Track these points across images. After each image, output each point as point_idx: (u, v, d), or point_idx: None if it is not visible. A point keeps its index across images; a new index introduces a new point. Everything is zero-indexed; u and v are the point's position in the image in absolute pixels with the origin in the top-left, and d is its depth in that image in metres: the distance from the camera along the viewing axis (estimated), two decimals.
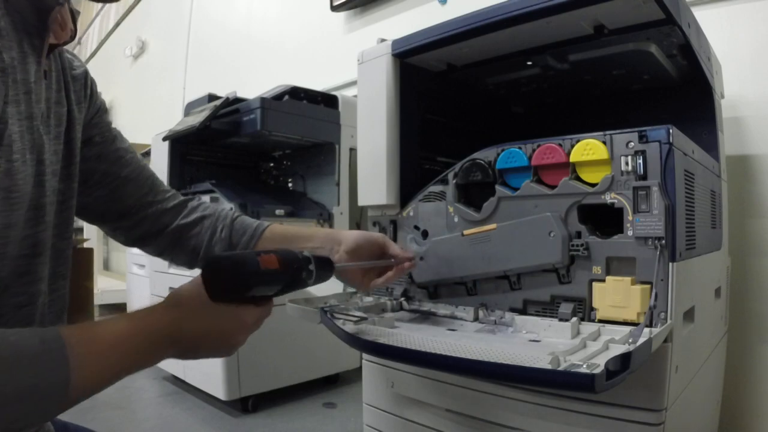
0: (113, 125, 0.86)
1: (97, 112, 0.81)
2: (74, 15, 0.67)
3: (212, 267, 0.62)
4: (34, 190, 0.60)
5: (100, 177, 0.80)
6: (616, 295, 0.76)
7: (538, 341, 0.80)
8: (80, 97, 0.75)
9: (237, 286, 0.62)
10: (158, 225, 0.87)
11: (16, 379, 0.44)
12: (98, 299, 3.46)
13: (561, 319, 0.81)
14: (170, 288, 2.08)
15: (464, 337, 0.84)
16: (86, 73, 0.77)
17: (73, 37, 0.67)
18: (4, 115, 0.53)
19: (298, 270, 0.67)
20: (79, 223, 1.81)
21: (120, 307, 3.34)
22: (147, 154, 2.62)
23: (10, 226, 0.56)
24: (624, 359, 0.58)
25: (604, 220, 0.81)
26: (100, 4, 5.63)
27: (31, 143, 0.59)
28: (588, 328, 0.79)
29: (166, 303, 0.60)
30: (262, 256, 0.63)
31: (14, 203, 0.56)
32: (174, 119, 2.16)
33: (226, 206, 1.88)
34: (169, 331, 0.58)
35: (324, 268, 0.72)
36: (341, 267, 0.79)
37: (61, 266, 0.69)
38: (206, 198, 2.00)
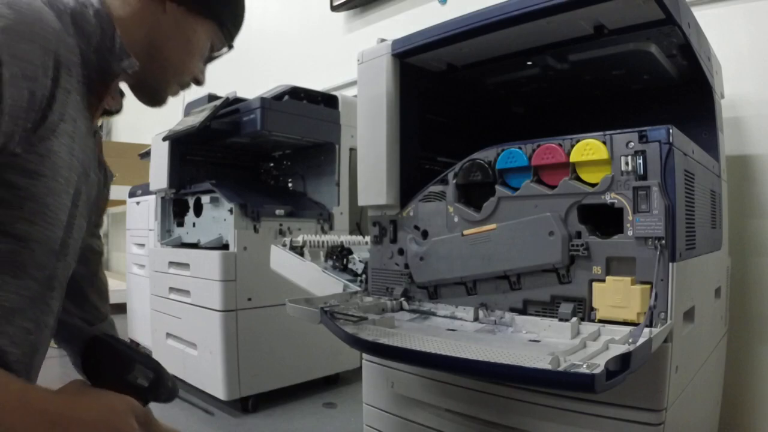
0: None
1: (104, 207, 0.85)
2: (122, 92, 0.77)
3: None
4: (65, 230, 0.63)
5: None
6: (616, 295, 0.76)
7: (538, 341, 0.80)
8: (104, 179, 0.80)
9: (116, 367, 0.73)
10: None
11: None
12: None
13: (561, 319, 0.81)
14: (170, 288, 2.08)
15: (464, 337, 0.84)
16: (109, 171, 0.83)
17: (119, 110, 0.75)
18: (62, 115, 0.58)
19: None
20: None
21: (120, 307, 3.33)
22: (147, 154, 2.62)
23: (45, 244, 0.60)
24: (624, 359, 0.58)
25: (604, 220, 0.81)
26: None
27: (74, 183, 0.62)
28: (588, 328, 0.79)
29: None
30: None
31: (50, 223, 0.59)
32: (174, 119, 2.16)
33: (227, 206, 1.88)
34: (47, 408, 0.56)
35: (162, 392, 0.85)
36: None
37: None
38: (206, 198, 2.01)
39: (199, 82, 0.80)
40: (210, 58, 0.80)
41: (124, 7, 0.68)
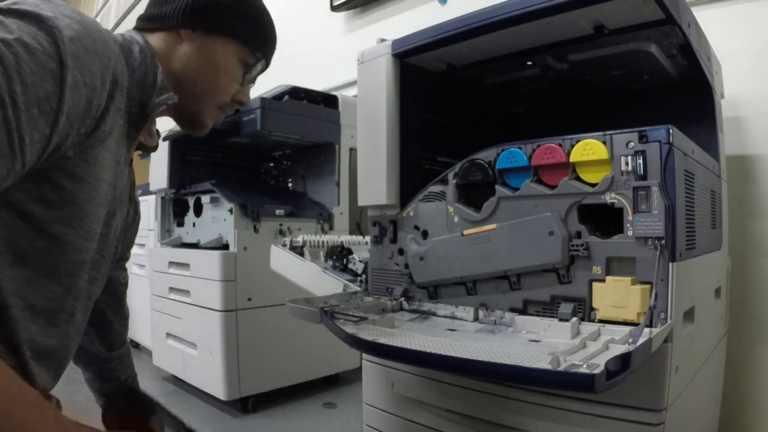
0: None
1: (132, 239, 0.87)
2: (159, 133, 0.82)
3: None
4: (97, 246, 0.66)
5: None
6: (616, 295, 0.76)
7: (538, 341, 0.80)
8: (134, 215, 0.83)
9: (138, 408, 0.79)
10: None
11: None
12: None
13: (561, 319, 0.81)
14: (170, 288, 2.08)
15: (464, 337, 0.84)
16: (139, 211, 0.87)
17: (155, 148, 0.80)
18: (111, 125, 0.61)
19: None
20: None
21: None
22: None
23: (77, 250, 0.62)
24: (624, 359, 0.58)
25: (604, 220, 0.81)
26: (101, 2, 5.64)
27: (107, 202, 0.66)
28: (588, 328, 0.79)
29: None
30: None
31: (85, 231, 0.62)
32: None
33: (227, 206, 1.88)
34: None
35: None
36: None
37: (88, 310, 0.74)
38: (206, 198, 2.01)
39: (242, 103, 0.82)
40: (248, 78, 0.82)
41: (156, 43, 0.73)
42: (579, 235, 0.81)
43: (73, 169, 0.58)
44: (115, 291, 0.88)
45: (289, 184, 2.37)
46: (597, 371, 0.58)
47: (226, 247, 1.88)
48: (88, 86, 0.55)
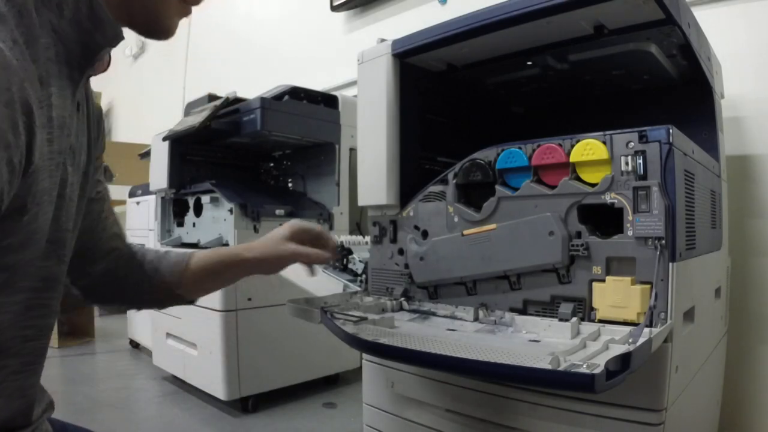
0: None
1: (101, 152, 0.78)
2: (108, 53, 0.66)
3: None
4: (52, 225, 0.59)
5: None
6: (616, 295, 0.76)
7: (538, 341, 0.80)
8: (97, 130, 0.73)
9: None
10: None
11: None
12: None
13: (561, 319, 0.81)
14: None
15: (464, 337, 0.84)
16: (101, 109, 0.75)
17: (106, 68, 0.67)
18: (37, 170, 0.52)
19: None
20: None
21: None
22: (147, 154, 2.62)
23: (30, 263, 0.56)
24: (624, 359, 0.58)
25: (604, 220, 0.81)
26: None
27: (57, 180, 0.58)
28: (588, 328, 0.79)
29: None
30: None
31: (36, 241, 0.56)
32: (174, 119, 2.16)
33: (227, 206, 1.88)
34: None
35: None
36: None
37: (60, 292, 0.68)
38: (206, 198, 2.01)
39: None
40: None
41: None
42: (579, 235, 0.81)
43: (10, 208, 0.51)
44: (91, 211, 0.76)
45: (289, 184, 2.37)
46: (597, 371, 0.58)
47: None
48: (2, 147, 0.45)
